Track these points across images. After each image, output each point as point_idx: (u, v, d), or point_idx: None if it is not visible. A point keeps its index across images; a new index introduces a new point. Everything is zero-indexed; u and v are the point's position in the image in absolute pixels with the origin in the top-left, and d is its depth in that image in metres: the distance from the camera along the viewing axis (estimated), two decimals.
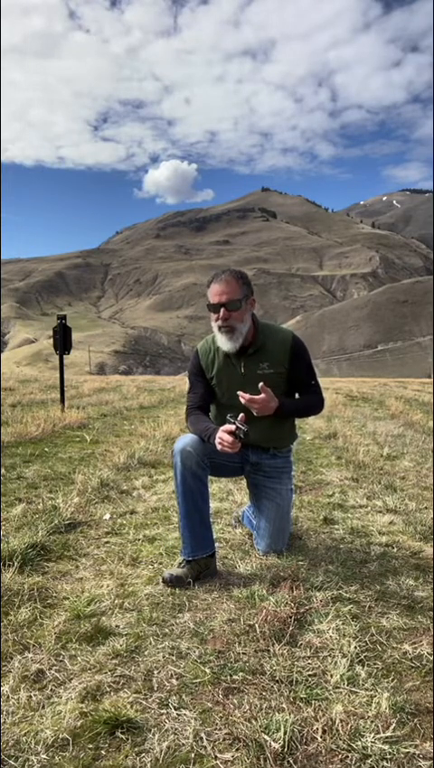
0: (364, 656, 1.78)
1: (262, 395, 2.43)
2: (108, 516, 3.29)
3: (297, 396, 2.74)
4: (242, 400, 2.45)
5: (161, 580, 2.33)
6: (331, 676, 1.65)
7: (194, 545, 2.42)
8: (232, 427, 2.30)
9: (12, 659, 1.74)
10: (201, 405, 2.66)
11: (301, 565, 2.55)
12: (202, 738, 1.39)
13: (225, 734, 1.40)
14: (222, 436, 2.30)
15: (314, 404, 2.70)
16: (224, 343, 2.54)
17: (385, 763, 1.30)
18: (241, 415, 2.33)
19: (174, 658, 1.76)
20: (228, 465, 2.64)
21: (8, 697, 1.55)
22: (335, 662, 1.72)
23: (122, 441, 5.88)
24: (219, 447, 2.32)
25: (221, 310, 2.48)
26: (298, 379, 2.67)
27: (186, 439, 2.50)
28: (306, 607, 2.09)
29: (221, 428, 2.33)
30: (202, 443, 2.47)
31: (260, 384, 2.44)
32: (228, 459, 2.58)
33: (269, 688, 1.60)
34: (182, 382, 18.10)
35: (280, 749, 1.33)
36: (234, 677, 1.65)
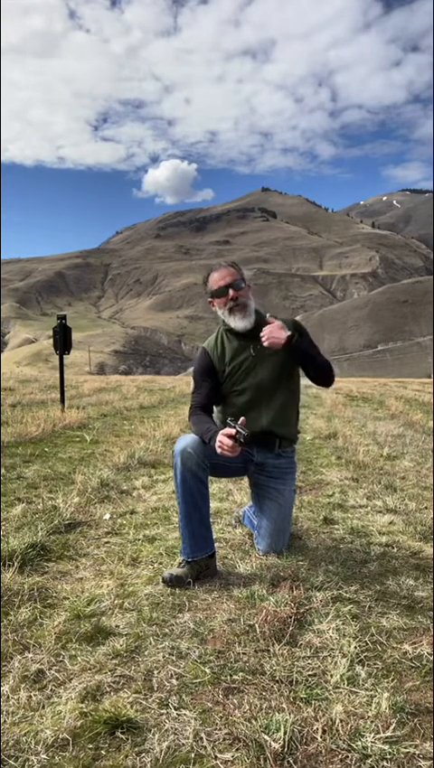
0: (364, 656, 1.78)
1: (271, 325, 2.52)
2: (108, 516, 3.29)
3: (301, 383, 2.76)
4: (263, 339, 2.52)
5: (161, 580, 2.33)
6: (331, 676, 1.65)
7: (194, 545, 2.42)
8: (233, 431, 2.28)
9: (12, 659, 1.74)
10: (205, 405, 2.67)
11: (301, 565, 2.55)
12: (202, 738, 1.38)
13: (225, 734, 1.40)
14: (222, 440, 2.29)
15: (326, 363, 2.70)
16: (238, 322, 2.61)
17: (385, 763, 1.30)
18: (242, 419, 2.33)
19: (174, 658, 1.76)
20: (229, 466, 2.64)
21: (8, 697, 1.55)
22: (335, 662, 1.72)
23: (122, 441, 5.88)
24: (219, 451, 2.31)
25: (229, 291, 2.58)
26: None
27: (187, 440, 2.50)
28: (306, 607, 2.09)
29: (222, 432, 2.32)
30: (202, 444, 2.47)
31: (267, 315, 2.58)
32: (229, 460, 2.57)
33: (269, 688, 1.60)
34: (182, 382, 18.11)
35: (280, 749, 1.33)
36: (234, 677, 1.65)
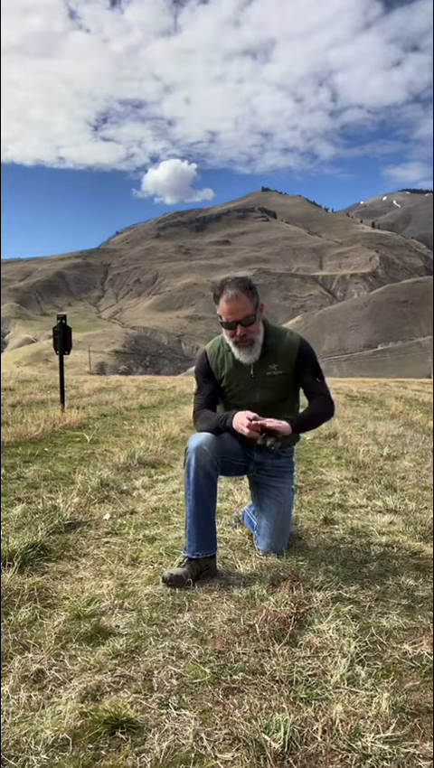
0: (364, 656, 1.78)
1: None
2: (108, 516, 3.29)
3: (302, 397, 2.78)
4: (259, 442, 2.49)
5: (161, 580, 2.33)
6: (331, 676, 1.65)
7: (200, 543, 2.42)
8: (252, 415, 2.44)
9: (12, 659, 1.74)
10: (208, 406, 2.69)
11: (301, 565, 2.55)
12: (202, 738, 1.38)
13: (225, 734, 1.40)
14: (241, 419, 2.41)
15: (324, 409, 2.74)
16: (244, 357, 2.59)
17: (385, 763, 1.30)
18: (272, 440, 2.43)
19: (174, 658, 1.76)
20: (234, 464, 2.65)
21: (8, 697, 1.55)
22: (335, 662, 1.72)
23: (122, 441, 5.88)
24: (238, 428, 2.43)
25: (238, 327, 2.52)
26: (305, 380, 2.72)
27: (201, 437, 2.49)
28: (306, 607, 2.09)
29: (241, 413, 2.46)
30: (216, 441, 2.47)
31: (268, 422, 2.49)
32: (234, 458, 2.60)
33: (269, 688, 1.60)
34: (182, 382, 18.10)
35: (280, 749, 1.33)
36: (234, 677, 1.65)
